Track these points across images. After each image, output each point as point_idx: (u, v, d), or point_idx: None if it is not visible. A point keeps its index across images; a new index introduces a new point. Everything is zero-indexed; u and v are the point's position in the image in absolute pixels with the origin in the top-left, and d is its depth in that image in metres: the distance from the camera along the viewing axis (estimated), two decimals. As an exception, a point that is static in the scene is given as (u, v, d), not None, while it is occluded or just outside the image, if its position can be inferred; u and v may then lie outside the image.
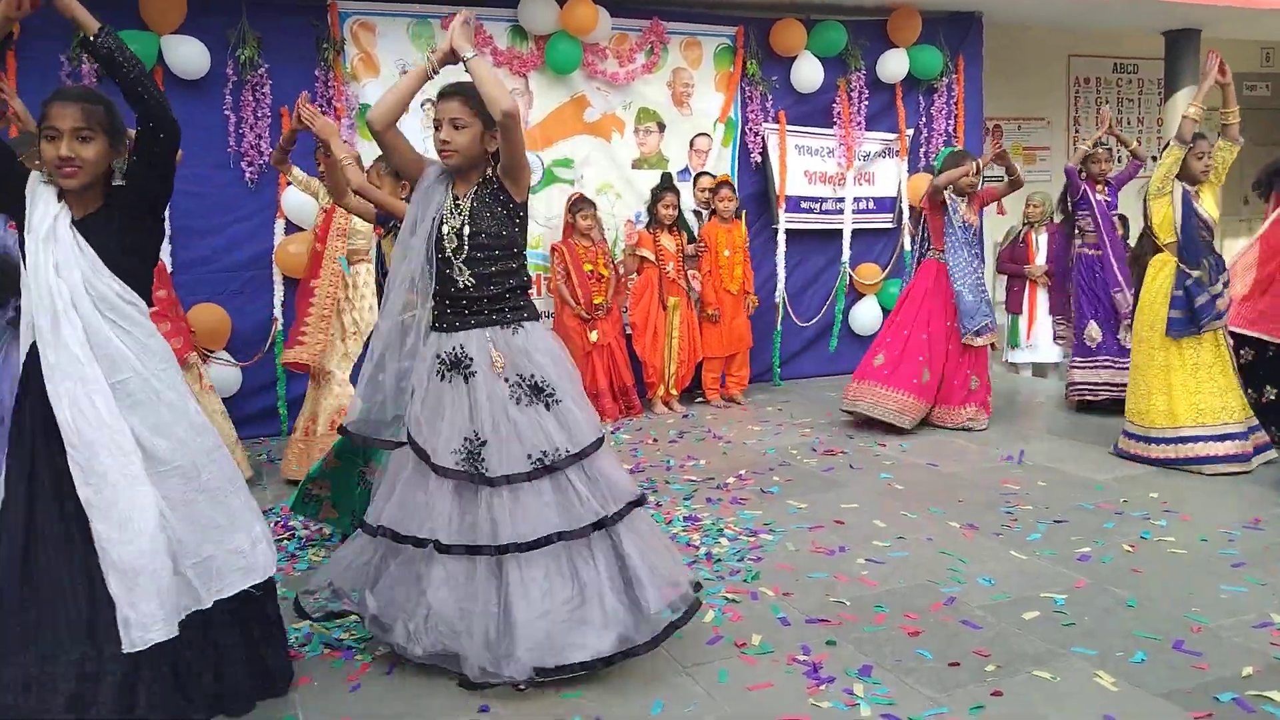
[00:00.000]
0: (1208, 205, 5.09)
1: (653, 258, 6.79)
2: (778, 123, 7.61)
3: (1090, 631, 3.25)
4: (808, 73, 7.55)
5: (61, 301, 2.44)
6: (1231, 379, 5.11)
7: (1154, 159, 6.76)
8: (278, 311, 6.36)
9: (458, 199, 2.95)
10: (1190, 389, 5.06)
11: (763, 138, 7.59)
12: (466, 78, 2.87)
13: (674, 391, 6.95)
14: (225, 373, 6.07)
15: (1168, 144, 5.18)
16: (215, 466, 2.65)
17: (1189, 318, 5.01)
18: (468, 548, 2.87)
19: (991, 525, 4.34)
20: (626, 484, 3.04)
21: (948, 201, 6.03)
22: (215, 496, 2.62)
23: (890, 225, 8.13)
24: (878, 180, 8.02)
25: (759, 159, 7.60)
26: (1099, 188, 6.71)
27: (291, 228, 6.35)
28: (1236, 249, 6.03)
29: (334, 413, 5.15)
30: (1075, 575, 3.74)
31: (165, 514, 2.49)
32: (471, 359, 2.90)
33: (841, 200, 7.90)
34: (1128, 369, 6.35)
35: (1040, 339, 7.50)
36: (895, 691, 2.88)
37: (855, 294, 8.06)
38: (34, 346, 2.50)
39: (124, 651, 2.41)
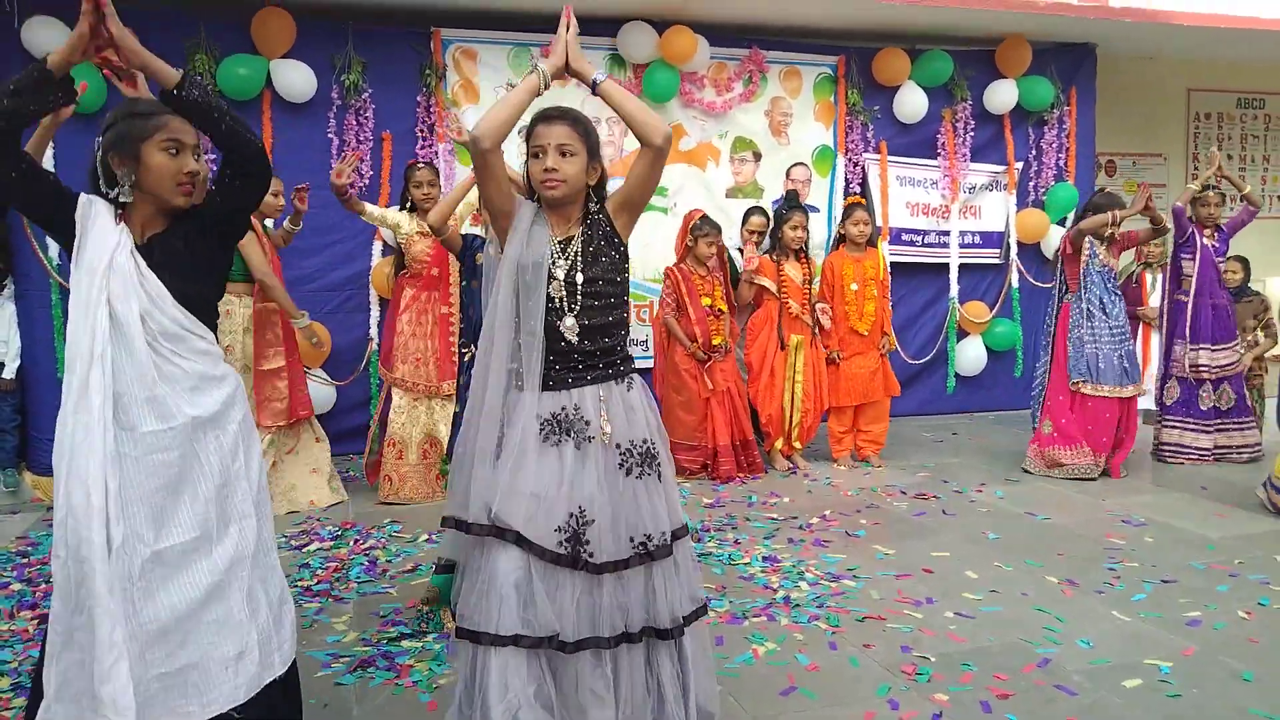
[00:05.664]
0: None
1: (774, 288, 5.99)
2: (878, 153, 7.45)
3: (1199, 706, 3.01)
4: (911, 103, 7.39)
5: (100, 343, 2.13)
6: None
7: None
8: (373, 331, 6.45)
9: (563, 242, 2.53)
10: None
11: (862, 168, 7.44)
12: (557, 100, 2.65)
13: (797, 445, 6.11)
14: (320, 391, 6.17)
15: None
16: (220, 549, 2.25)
17: None
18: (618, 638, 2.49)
19: (1093, 582, 4.09)
20: (698, 584, 2.68)
21: (1085, 246, 5.81)
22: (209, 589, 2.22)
23: (998, 261, 7.87)
24: (984, 214, 7.78)
25: (858, 189, 7.44)
26: (1207, 232, 6.36)
27: (388, 250, 6.44)
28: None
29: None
30: (1183, 642, 3.48)
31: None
32: (588, 421, 2.49)
33: (946, 234, 7.69)
34: (1202, 431, 5.96)
35: (1152, 383, 7.14)
36: (980, 759, 2.71)
37: (961, 332, 7.81)
38: None
39: None
